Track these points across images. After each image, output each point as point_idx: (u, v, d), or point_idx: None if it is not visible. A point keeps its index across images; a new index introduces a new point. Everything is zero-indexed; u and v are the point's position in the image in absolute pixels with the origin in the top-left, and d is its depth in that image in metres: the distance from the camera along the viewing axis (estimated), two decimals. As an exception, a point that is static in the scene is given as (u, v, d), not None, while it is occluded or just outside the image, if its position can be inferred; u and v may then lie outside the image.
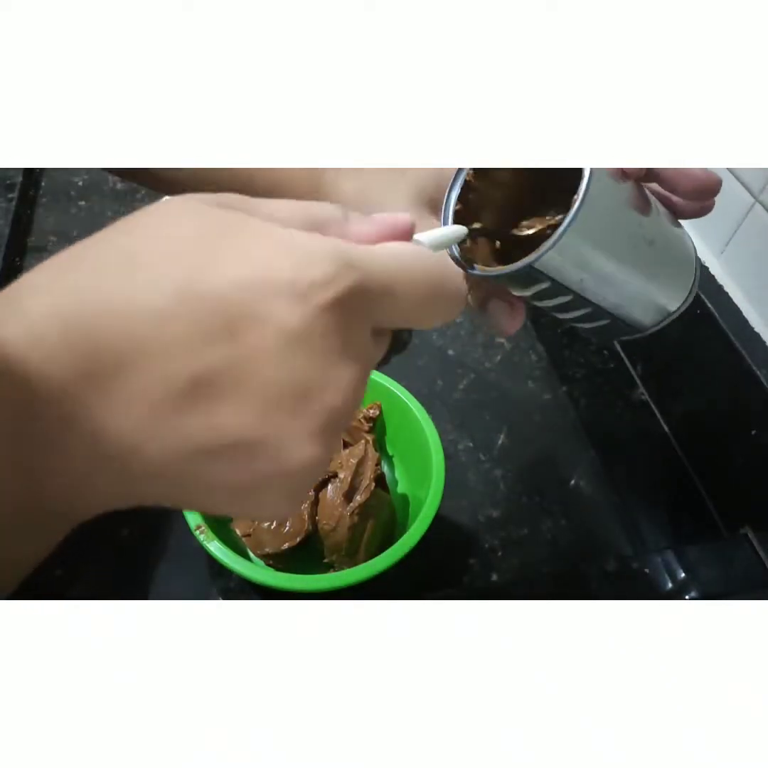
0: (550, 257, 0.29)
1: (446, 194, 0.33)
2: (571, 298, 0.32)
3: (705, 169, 0.32)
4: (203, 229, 0.21)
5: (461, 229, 0.31)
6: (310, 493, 0.49)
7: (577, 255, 0.30)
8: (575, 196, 0.29)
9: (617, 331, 0.36)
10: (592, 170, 0.29)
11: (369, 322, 0.23)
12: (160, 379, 0.19)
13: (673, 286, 0.36)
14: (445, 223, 0.33)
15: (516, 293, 0.33)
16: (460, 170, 0.33)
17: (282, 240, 0.21)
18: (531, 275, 0.30)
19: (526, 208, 0.34)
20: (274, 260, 0.20)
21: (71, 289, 0.19)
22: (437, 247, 0.28)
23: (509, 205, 0.34)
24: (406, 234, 0.25)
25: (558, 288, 0.31)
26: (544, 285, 0.31)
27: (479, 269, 0.32)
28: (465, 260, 0.32)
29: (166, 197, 0.22)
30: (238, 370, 0.19)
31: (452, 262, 0.24)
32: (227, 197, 0.22)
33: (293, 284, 0.20)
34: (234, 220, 0.21)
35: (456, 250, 0.33)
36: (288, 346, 0.20)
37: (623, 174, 0.31)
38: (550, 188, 0.32)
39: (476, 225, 0.33)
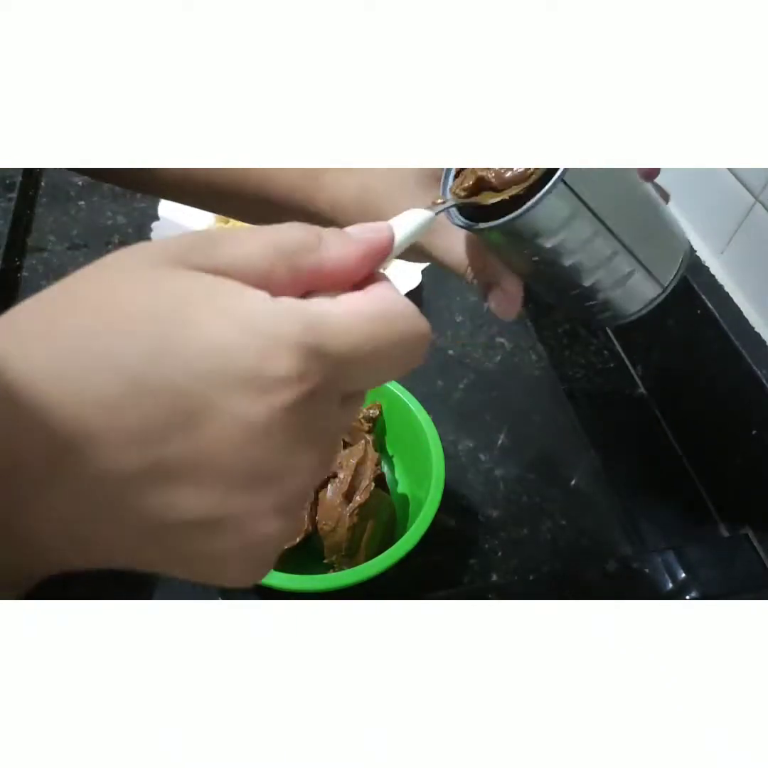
0: (560, 191, 0.30)
1: (441, 187, 0.33)
2: (590, 233, 0.32)
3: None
4: (159, 306, 0.19)
5: (428, 214, 0.29)
6: (310, 494, 0.49)
7: (584, 190, 0.31)
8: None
9: (627, 301, 0.36)
10: None
11: (337, 399, 0.22)
12: (113, 467, 0.19)
13: (667, 254, 0.36)
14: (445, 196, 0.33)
15: (525, 251, 0.33)
16: (448, 170, 0.33)
17: (244, 320, 0.20)
18: (535, 219, 0.30)
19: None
20: (234, 347, 0.19)
21: (32, 370, 0.19)
22: (410, 238, 0.27)
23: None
24: (387, 248, 0.24)
25: (577, 225, 0.31)
26: (553, 232, 0.31)
27: (482, 224, 0.32)
28: (467, 218, 0.32)
29: (117, 251, 0.21)
30: (196, 460, 0.19)
31: (415, 309, 0.23)
32: (186, 243, 0.21)
33: (255, 378, 0.19)
34: (190, 290, 0.20)
35: (460, 220, 0.33)
36: (248, 439, 0.19)
37: None
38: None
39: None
